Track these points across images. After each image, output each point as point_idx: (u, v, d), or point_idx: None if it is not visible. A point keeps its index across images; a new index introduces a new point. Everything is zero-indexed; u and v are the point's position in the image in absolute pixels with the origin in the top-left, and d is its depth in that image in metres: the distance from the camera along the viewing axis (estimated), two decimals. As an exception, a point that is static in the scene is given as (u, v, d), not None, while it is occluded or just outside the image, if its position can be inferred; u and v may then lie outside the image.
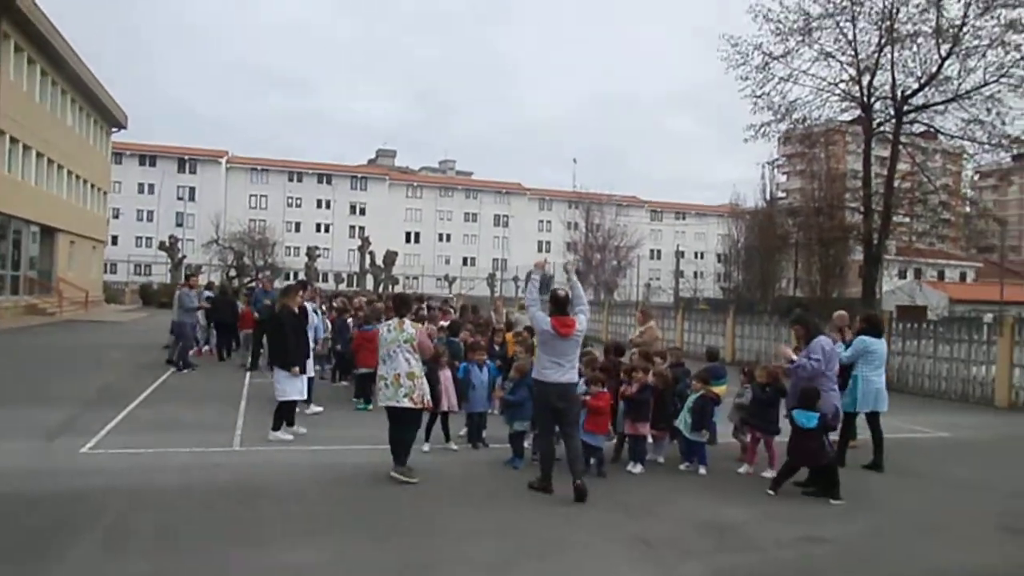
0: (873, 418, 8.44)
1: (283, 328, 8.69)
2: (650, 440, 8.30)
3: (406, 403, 6.98)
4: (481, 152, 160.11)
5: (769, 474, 7.65)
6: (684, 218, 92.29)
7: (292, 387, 8.60)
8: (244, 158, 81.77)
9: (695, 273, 70.86)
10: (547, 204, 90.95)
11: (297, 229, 79.58)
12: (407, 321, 7.29)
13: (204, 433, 8.68)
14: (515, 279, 66.04)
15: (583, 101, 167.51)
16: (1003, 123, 21.43)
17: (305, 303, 9.83)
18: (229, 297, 17.52)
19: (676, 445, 8.38)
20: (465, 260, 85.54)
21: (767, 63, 23.10)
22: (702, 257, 78.92)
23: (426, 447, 8.35)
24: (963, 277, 65.22)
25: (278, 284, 20.07)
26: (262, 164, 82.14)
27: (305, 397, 9.18)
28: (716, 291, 58.74)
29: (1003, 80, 20.89)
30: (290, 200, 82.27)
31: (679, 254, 56.27)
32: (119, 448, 7.87)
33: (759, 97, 23.49)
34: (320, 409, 10.24)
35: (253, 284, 37.72)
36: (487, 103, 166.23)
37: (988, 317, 30.94)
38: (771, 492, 7.10)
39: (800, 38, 22.65)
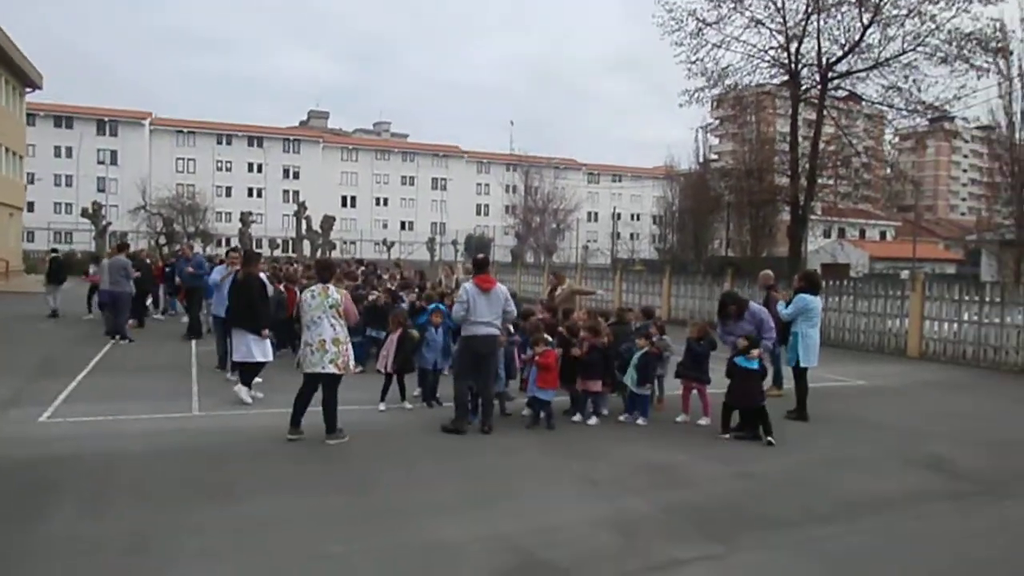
0: (802, 372, 9.11)
1: (251, 293, 8.95)
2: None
3: (331, 369, 7.12)
4: (416, 114, 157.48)
5: (704, 421, 8.32)
6: (620, 180, 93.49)
7: (259, 349, 8.88)
8: (169, 120, 78.45)
9: (631, 235, 72.22)
10: (485, 167, 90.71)
11: (228, 194, 77.32)
12: (331, 286, 7.37)
13: (160, 401, 8.80)
14: (454, 243, 66.09)
15: (518, 64, 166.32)
16: (919, 90, 22.56)
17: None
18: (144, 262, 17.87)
19: (611, 397, 8.96)
20: (403, 224, 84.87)
21: (700, 29, 23.61)
22: (638, 219, 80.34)
23: (382, 406, 8.72)
24: (883, 236, 68.40)
25: (208, 251, 20.18)
26: (188, 126, 79.02)
27: (271, 358, 9.27)
28: (652, 252, 60.12)
29: (919, 49, 21.91)
30: (219, 164, 79.59)
31: (616, 216, 57.29)
32: (78, 417, 7.95)
33: (693, 63, 24.04)
34: (259, 380, 10.04)
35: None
36: (421, 66, 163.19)
37: (905, 274, 32.88)
38: (726, 436, 7.74)
39: (732, 5, 23.20)
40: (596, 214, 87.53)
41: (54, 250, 20.63)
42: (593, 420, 8.44)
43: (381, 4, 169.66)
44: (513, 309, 8.20)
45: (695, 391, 8.67)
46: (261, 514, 5.27)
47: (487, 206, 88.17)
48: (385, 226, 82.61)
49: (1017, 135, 28.85)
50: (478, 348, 7.75)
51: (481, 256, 8.64)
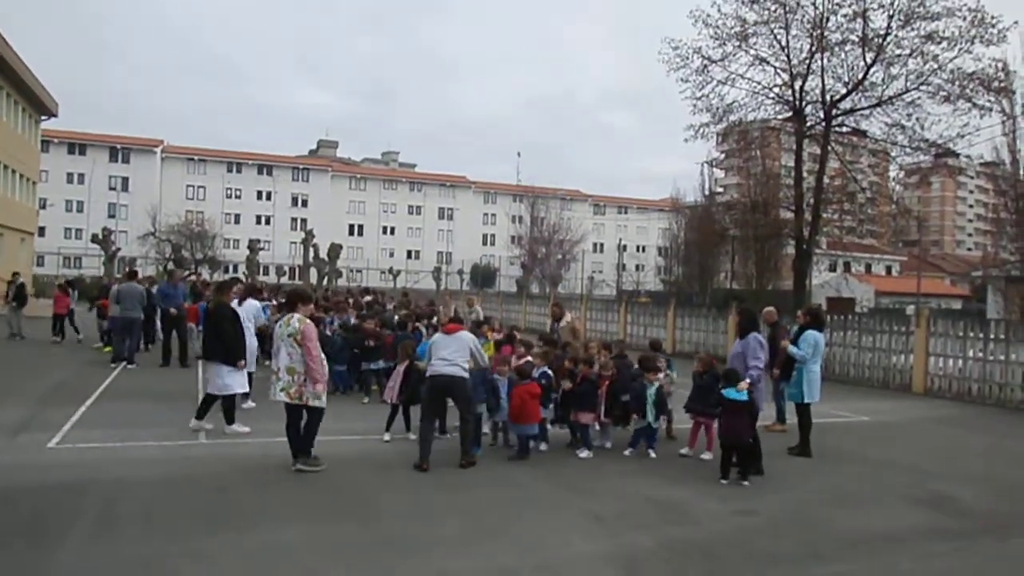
0: (805, 407, 9.11)
1: (223, 323, 8.80)
2: (597, 427, 8.94)
3: (282, 397, 7.16)
4: (424, 145, 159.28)
5: (707, 456, 8.33)
6: (626, 212, 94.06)
7: (235, 380, 8.75)
8: (180, 147, 79.63)
9: (637, 266, 72.50)
10: (492, 197, 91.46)
11: (237, 221, 78.11)
12: (296, 316, 7.30)
13: (166, 428, 8.88)
14: (460, 272, 66.41)
15: (527, 97, 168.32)
16: (922, 127, 22.88)
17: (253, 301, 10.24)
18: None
19: (614, 430, 9.00)
20: (409, 253, 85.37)
21: (706, 66, 24.05)
22: (644, 251, 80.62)
23: (387, 436, 8.79)
24: (889, 271, 68.46)
25: (214, 277, 20.31)
26: (199, 154, 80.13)
27: (247, 390, 9.28)
28: (657, 284, 60.30)
29: (922, 88, 22.27)
30: (229, 191, 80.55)
31: (621, 248, 57.51)
32: (86, 443, 8.03)
33: (698, 99, 24.45)
34: (253, 404, 10.11)
35: (192, 277, 37.15)
36: (429, 98, 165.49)
37: (910, 309, 32.89)
38: (724, 481, 7.50)
39: (737, 43, 23.66)
40: (602, 245, 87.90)
41: (15, 274, 20.83)
42: (584, 453, 8.44)
43: (390, 36, 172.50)
44: (483, 359, 8.21)
45: (704, 425, 8.70)
46: (268, 542, 5.32)
47: (493, 236, 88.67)
48: (391, 255, 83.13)
49: (1021, 172, 29.01)
50: (437, 386, 7.78)
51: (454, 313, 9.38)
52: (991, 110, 22.95)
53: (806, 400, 9.01)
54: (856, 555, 5.61)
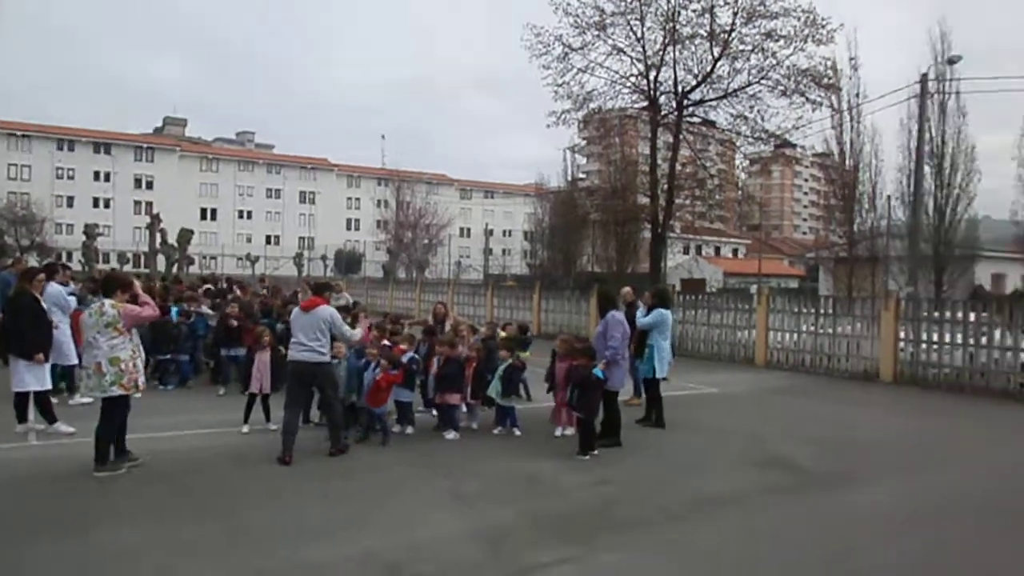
0: (656, 382, 9.62)
1: (21, 314, 7.87)
2: (464, 409, 8.98)
3: (115, 392, 6.53)
4: (283, 127, 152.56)
5: (570, 431, 8.53)
6: (492, 197, 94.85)
7: (33, 377, 7.86)
8: (1, 122, 71.64)
9: (504, 251, 73.28)
10: (356, 181, 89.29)
11: (70, 204, 71.64)
12: (107, 302, 6.63)
13: (-10, 429, 8.00)
14: (323, 258, 64.41)
15: (391, 80, 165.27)
16: (762, 119, 24.62)
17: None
18: None
19: (483, 411, 9.14)
20: (269, 239, 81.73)
21: (567, 54, 24.59)
22: (510, 235, 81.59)
23: (245, 428, 8.38)
24: (735, 253, 73.35)
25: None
26: (22, 129, 72.45)
27: (48, 387, 8.24)
28: (523, 268, 61.27)
29: (763, 82, 23.92)
30: (60, 171, 73.64)
31: (488, 232, 57.91)
32: None
33: (560, 86, 24.98)
34: (89, 400, 8.74)
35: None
36: (288, 78, 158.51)
37: (754, 289, 35.40)
38: (586, 458, 7.65)
39: (596, 32, 24.33)
40: (469, 230, 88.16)
41: None
42: (451, 435, 8.46)
43: (248, 11, 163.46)
44: (345, 332, 7.74)
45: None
46: (113, 545, 4.93)
47: (358, 221, 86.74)
48: (249, 240, 79.25)
49: (847, 162, 31.89)
50: (297, 373, 7.47)
51: (312, 282, 8.78)
52: (822, 104, 25.03)
53: (657, 375, 9.49)
54: (704, 514, 5.99)
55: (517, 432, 8.70)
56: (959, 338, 13.88)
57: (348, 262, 66.05)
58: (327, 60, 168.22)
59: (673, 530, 5.59)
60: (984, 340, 13.54)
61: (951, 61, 27.47)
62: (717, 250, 68.89)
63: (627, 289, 11.48)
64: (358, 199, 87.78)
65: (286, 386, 7.71)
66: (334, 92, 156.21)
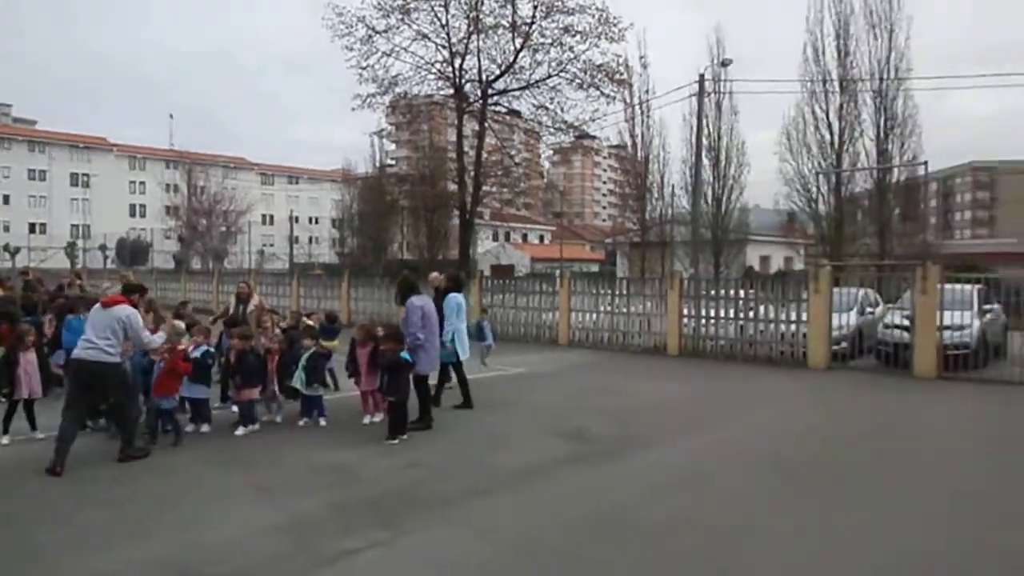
0: (459, 364, 9.76)
1: None
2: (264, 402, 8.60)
3: None
4: (48, 101, 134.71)
5: (378, 417, 8.47)
6: (297, 182, 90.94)
7: None
8: None
9: (311, 238, 70.73)
10: (140, 163, 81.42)
11: None
12: None
13: None
14: (103, 248, 58.13)
15: (178, 55, 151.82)
16: (562, 110, 25.83)
17: None
18: None
19: (288, 403, 8.78)
20: (33, 227, 72.09)
21: (371, 36, 24.16)
22: (317, 222, 78.89)
23: (5, 440, 7.40)
24: (542, 239, 76.44)
25: None
26: None
27: None
28: (332, 256, 59.54)
29: (562, 74, 25.13)
30: None
31: (293, 219, 55.48)
32: None
33: (364, 68, 24.51)
34: None
35: None
36: (54, 47, 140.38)
37: (559, 273, 37.15)
38: (395, 442, 7.61)
39: (400, 16, 24.16)
40: (272, 217, 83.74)
41: None
42: (241, 431, 7.98)
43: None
44: (143, 337, 7.00)
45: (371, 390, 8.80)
46: None
47: (143, 207, 79.25)
48: (7, 229, 69.52)
49: (639, 154, 34.36)
50: (78, 372, 6.74)
51: (133, 284, 8.01)
52: (615, 99, 26.73)
53: (460, 358, 9.67)
54: (510, 487, 6.23)
55: (323, 422, 8.47)
56: (732, 313, 15.56)
57: (133, 252, 60.05)
58: (104, 28, 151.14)
59: (477, 504, 5.75)
60: (751, 314, 15.29)
61: (724, 64, 30.53)
62: (525, 237, 71.38)
63: (434, 275, 11.55)
64: (143, 183, 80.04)
65: (67, 389, 6.92)
66: (113, 65, 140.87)
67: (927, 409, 10.56)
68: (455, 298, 9.71)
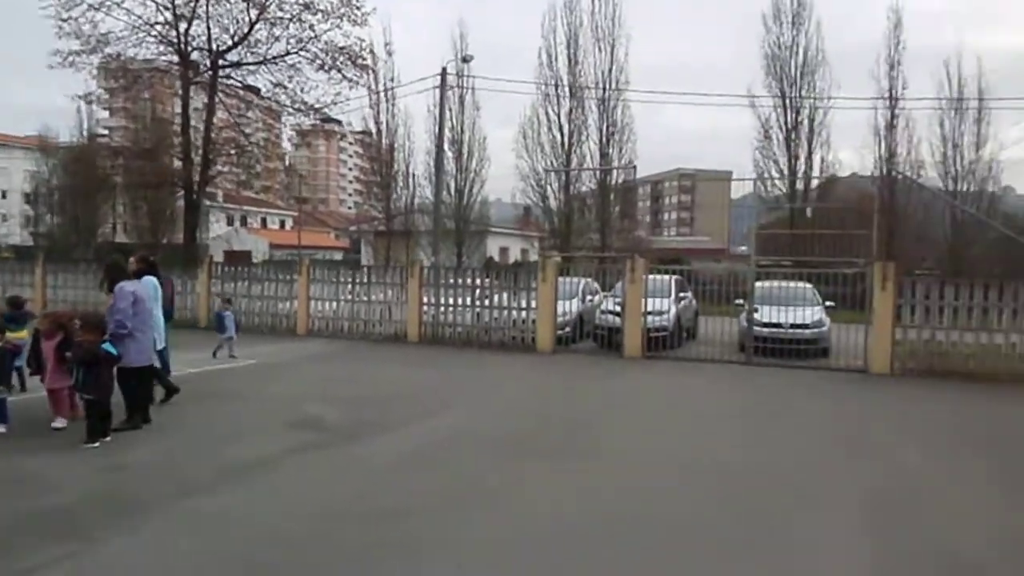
0: (159, 353, 8.85)
1: None
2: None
3: None
4: None
5: (59, 423, 7.38)
6: (-22, 149, 76.49)
7: None
8: None
9: (-2, 216, 60.09)
10: None
11: None
12: None
13: None
14: None
15: None
16: (302, 91, 24.68)
17: None
18: None
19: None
20: None
21: (73, -17, 21.04)
22: (5, 197, 67.18)
23: None
24: (283, 225, 72.84)
25: None
26: None
27: None
28: (25, 237, 51.16)
29: (302, 53, 23.99)
30: None
31: (-28, 192, 46.62)
32: None
33: (65, 20, 21.30)
34: None
35: None
36: None
37: (299, 260, 35.67)
38: (95, 445, 6.72)
39: (112, -37, 21.35)
40: (-58, 189, 69.58)
41: None
42: None
43: None
44: None
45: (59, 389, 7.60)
46: None
47: None
48: None
49: (384, 142, 34.19)
50: None
51: None
52: (358, 84, 26.22)
53: (158, 347, 8.84)
54: (236, 481, 5.84)
55: (2, 429, 7.20)
56: (469, 301, 16.16)
57: None
58: None
59: (193, 503, 5.30)
60: (487, 302, 16.00)
61: (465, 60, 31.54)
62: (264, 222, 67.54)
63: (142, 254, 10.39)
64: None
65: None
66: None
67: (634, 385, 11.89)
68: (150, 281, 8.80)
